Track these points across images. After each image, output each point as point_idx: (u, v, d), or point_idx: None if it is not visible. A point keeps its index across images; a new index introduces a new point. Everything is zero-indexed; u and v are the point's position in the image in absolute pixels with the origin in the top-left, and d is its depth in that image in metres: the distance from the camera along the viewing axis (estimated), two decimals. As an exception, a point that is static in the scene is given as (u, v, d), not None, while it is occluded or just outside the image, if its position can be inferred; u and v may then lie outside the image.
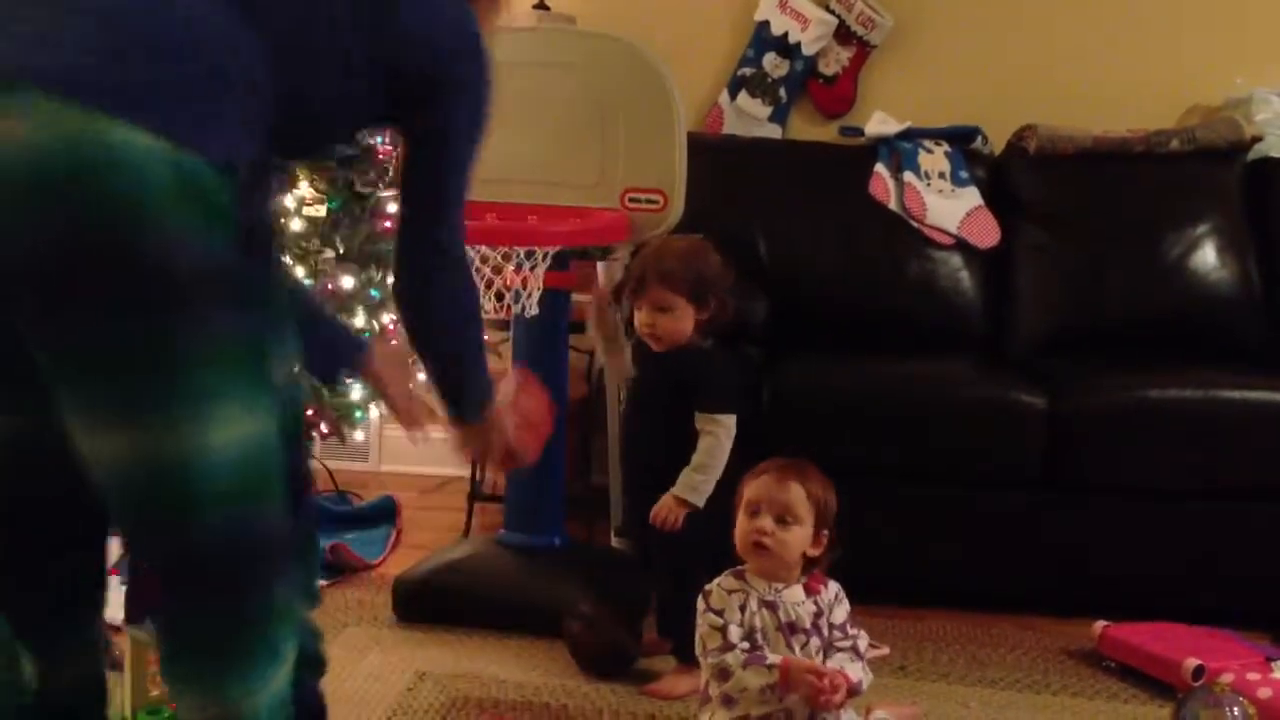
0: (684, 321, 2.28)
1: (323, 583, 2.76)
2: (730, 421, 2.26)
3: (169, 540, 1.26)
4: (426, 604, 2.58)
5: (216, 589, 1.28)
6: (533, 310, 2.47)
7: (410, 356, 1.80)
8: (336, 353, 1.81)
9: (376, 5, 1.38)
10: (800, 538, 1.88)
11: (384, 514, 3.23)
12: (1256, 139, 3.22)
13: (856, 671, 1.84)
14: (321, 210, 2.84)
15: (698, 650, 1.90)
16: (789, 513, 1.87)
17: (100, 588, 1.49)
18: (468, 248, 2.45)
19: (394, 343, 1.86)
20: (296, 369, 1.41)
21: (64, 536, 1.41)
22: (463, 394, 1.70)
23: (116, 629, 2.01)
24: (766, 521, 1.87)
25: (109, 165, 1.16)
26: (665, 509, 2.25)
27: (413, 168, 1.53)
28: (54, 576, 1.42)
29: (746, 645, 1.86)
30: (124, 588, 2.02)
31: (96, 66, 1.18)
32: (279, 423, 1.31)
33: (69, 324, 1.19)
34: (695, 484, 2.24)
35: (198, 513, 1.24)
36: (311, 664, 1.43)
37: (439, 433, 1.84)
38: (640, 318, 2.32)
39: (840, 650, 1.88)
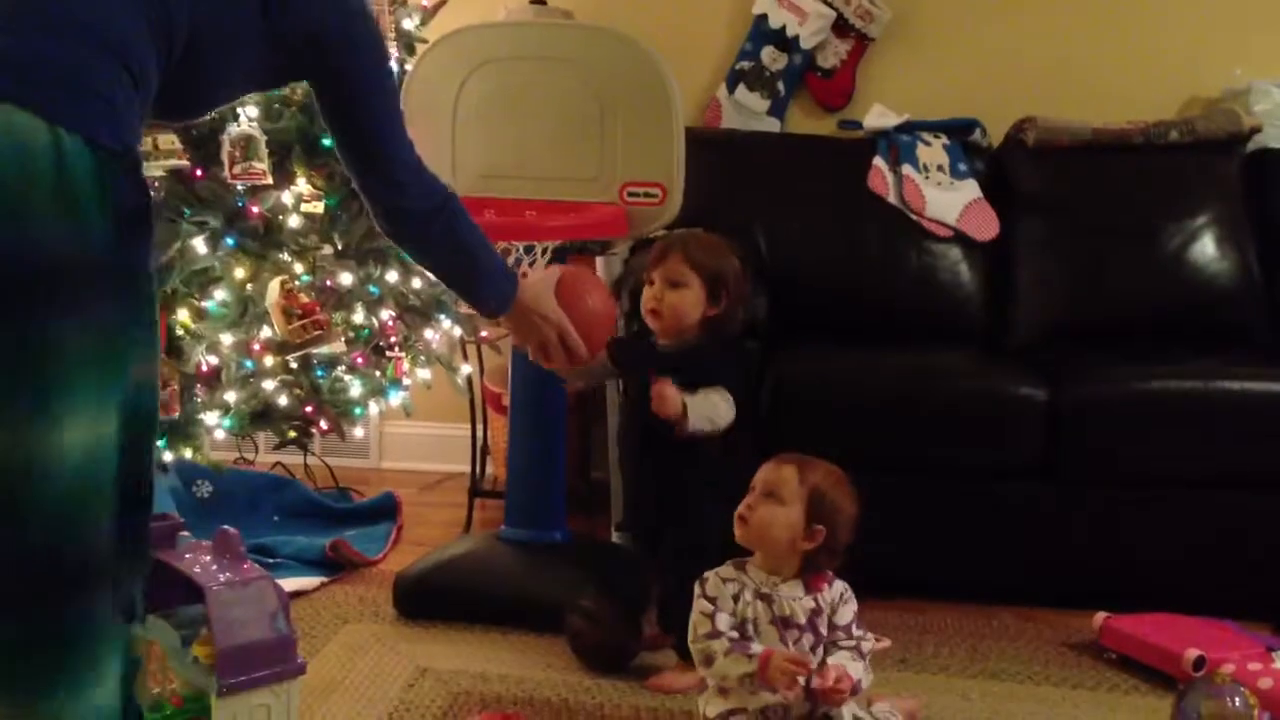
0: (691, 305, 2.24)
1: (324, 580, 2.77)
2: (728, 397, 2.20)
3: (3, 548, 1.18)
4: (427, 600, 2.58)
5: (38, 596, 1.21)
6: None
7: (550, 286, 1.87)
8: (503, 284, 1.84)
9: None
10: (782, 519, 1.87)
11: (385, 511, 3.24)
12: (1255, 130, 3.22)
13: (858, 670, 1.84)
14: (319, 207, 2.84)
15: (689, 636, 1.91)
16: (774, 492, 1.88)
17: None
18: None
19: (530, 278, 1.90)
20: (156, 366, 1.35)
21: None
22: (476, 285, 1.74)
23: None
24: (753, 496, 1.89)
25: None
26: (665, 393, 2.17)
27: (334, 122, 1.55)
28: None
29: (735, 635, 1.86)
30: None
31: None
32: (127, 425, 1.25)
33: None
34: (698, 402, 2.18)
35: (31, 514, 1.18)
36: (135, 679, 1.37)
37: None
38: (649, 293, 2.27)
39: (842, 649, 1.88)
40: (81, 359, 1.18)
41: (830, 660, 1.85)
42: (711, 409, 2.20)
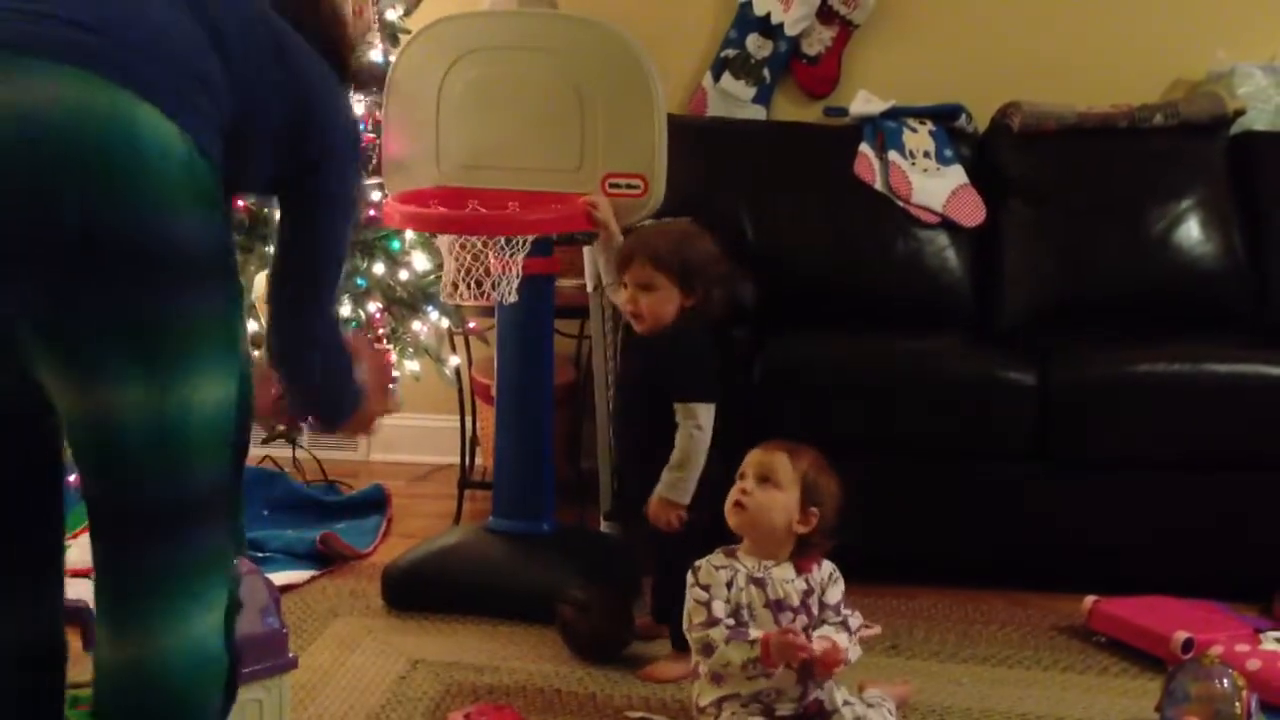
0: (667, 303, 2.27)
1: (314, 573, 2.76)
2: (706, 411, 2.24)
3: (159, 486, 1.36)
4: (417, 592, 2.58)
5: (190, 526, 1.38)
6: (511, 297, 2.46)
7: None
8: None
9: (285, 64, 1.50)
10: (781, 504, 1.89)
11: (374, 503, 3.23)
12: (1239, 113, 3.22)
13: (844, 641, 1.86)
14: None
15: (684, 625, 1.92)
16: (770, 476, 1.90)
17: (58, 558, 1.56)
18: (445, 237, 2.46)
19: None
20: (248, 344, 1.53)
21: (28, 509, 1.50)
22: (336, 415, 1.78)
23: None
24: (748, 482, 1.91)
25: (134, 141, 1.26)
26: (657, 512, 2.25)
27: (290, 242, 1.61)
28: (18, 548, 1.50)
29: (731, 621, 1.87)
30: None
31: (114, 49, 1.29)
32: (240, 387, 1.43)
33: (89, 290, 1.28)
34: (675, 483, 2.24)
35: (179, 455, 1.35)
36: (234, 609, 1.52)
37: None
38: (624, 295, 2.31)
39: (829, 624, 1.89)
40: (213, 332, 1.36)
41: (817, 634, 1.87)
42: (686, 469, 2.22)
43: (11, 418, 1.44)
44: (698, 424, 2.23)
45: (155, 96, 1.29)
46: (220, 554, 1.44)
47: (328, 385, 1.71)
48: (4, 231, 1.26)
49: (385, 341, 3.19)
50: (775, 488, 1.91)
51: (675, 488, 2.24)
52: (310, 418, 1.91)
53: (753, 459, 1.96)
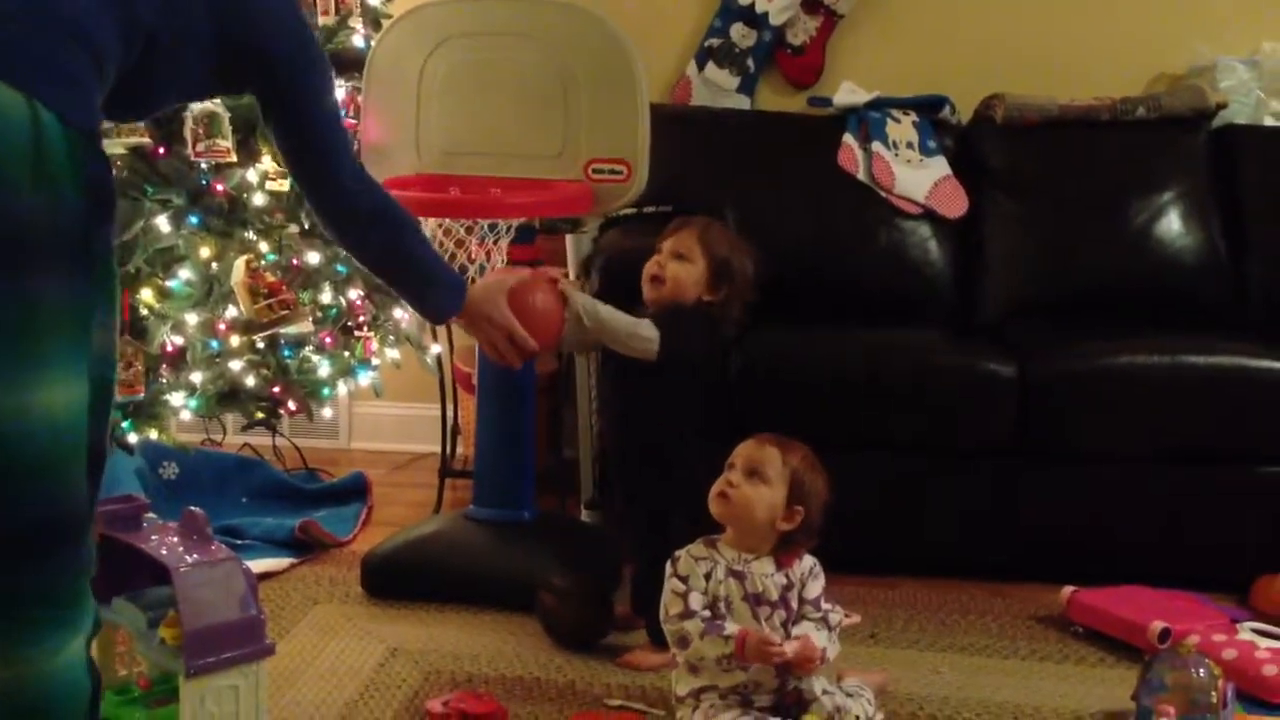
0: (691, 280, 2.26)
1: (293, 561, 2.75)
2: (658, 340, 2.20)
3: None
4: (397, 580, 2.57)
5: (27, 548, 1.27)
6: (559, 274, 2.44)
7: (502, 290, 1.98)
8: (443, 296, 1.92)
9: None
10: (766, 499, 1.88)
11: (354, 491, 3.22)
12: (1221, 106, 3.23)
13: (822, 639, 1.86)
14: (285, 185, 2.81)
15: (661, 616, 1.91)
16: (758, 470, 1.89)
17: None
18: (431, 221, 2.45)
19: (484, 279, 2.00)
20: (115, 339, 1.41)
21: None
22: (418, 292, 1.83)
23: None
24: (735, 474, 1.90)
25: None
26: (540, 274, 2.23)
27: (279, 134, 1.61)
28: None
29: (708, 614, 1.86)
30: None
31: None
32: (93, 392, 1.31)
33: None
34: (604, 317, 2.22)
35: (16, 469, 1.23)
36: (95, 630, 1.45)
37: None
38: (654, 260, 2.29)
39: (809, 621, 1.89)
40: (56, 324, 1.23)
41: (795, 630, 1.86)
42: (609, 313, 2.21)
43: None
44: (649, 336, 2.20)
45: (9, 72, 1.21)
46: (76, 577, 1.33)
47: (398, 243, 1.71)
48: None
49: (366, 329, 3.18)
50: (762, 483, 1.89)
51: (595, 316, 2.21)
52: (414, 302, 1.89)
53: (743, 451, 1.94)
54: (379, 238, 1.78)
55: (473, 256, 2.47)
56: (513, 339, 2.07)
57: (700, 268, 2.26)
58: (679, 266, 2.26)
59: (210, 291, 2.77)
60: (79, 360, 1.27)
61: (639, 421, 2.30)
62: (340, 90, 3.01)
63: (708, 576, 1.90)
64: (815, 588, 1.94)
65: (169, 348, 2.73)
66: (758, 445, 1.94)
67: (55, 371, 1.24)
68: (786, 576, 1.92)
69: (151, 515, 1.90)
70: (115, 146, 2.56)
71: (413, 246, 1.83)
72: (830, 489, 1.94)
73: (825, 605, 1.93)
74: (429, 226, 2.51)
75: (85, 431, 1.30)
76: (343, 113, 1.72)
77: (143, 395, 2.63)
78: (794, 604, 1.91)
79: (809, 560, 1.96)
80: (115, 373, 1.39)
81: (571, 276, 2.89)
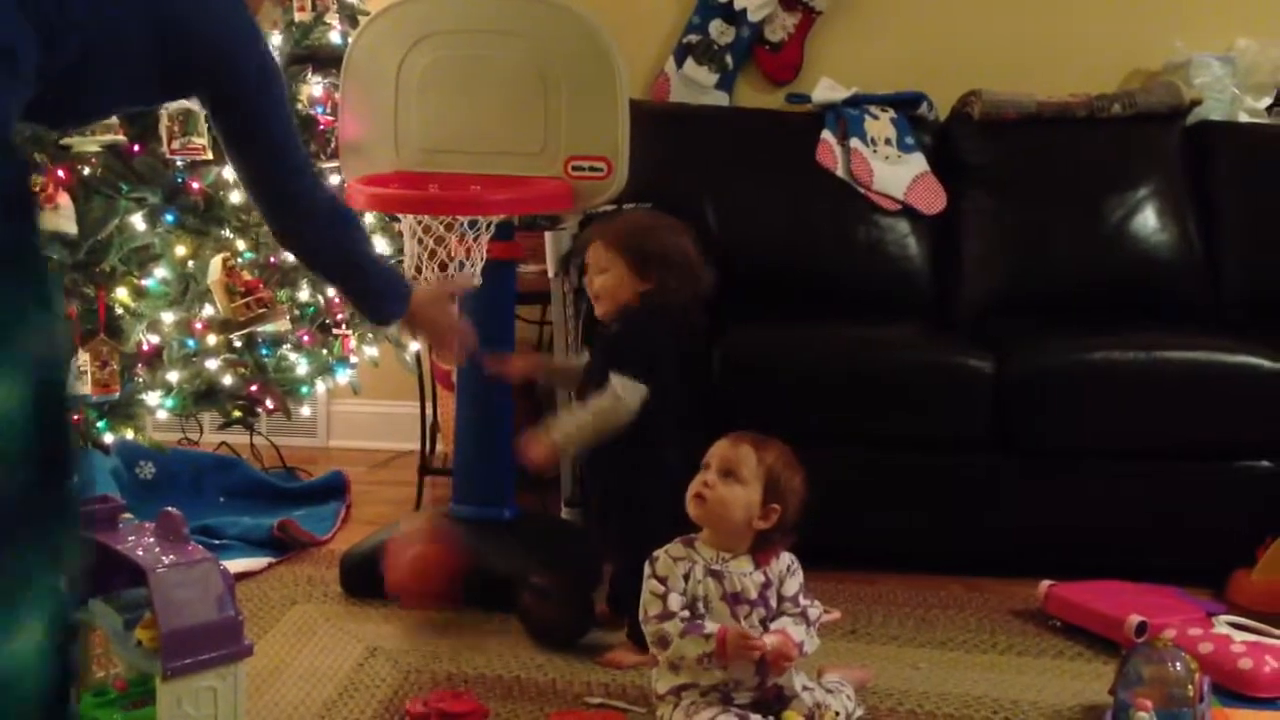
0: (620, 286, 2.26)
1: (271, 560, 2.74)
2: (632, 388, 2.17)
3: None
4: (376, 579, 2.55)
5: None
6: (475, 281, 2.44)
7: (448, 295, 1.98)
8: (389, 299, 1.91)
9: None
10: (742, 499, 1.88)
11: (333, 490, 3.20)
12: (1196, 103, 3.25)
13: (799, 634, 1.86)
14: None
15: (640, 616, 1.91)
16: (734, 471, 1.89)
17: None
18: (410, 217, 2.45)
19: (430, 283, 1.99)
20: (59, 340, 1.41)
21: None
22: (366, 297, 1.82)
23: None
24: (710, 475, 1.90)
25: None
26: (536, 446, 2.19)
27: (226, 136, 1.61)
28: None
29: (687, 614, 1.86)
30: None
31: None
32: (36, 399, 1.29)
33: None
34: (571, 431, 2.20)
35: None
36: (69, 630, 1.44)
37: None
38: (587, 278, 2.31)
39: (787, 617, 1.89)
40: None
41: (774, 626, 1.86)
42: (582, 421, 2.19)
43: None
44: (618, 394, 2.17)
45: None
46: (23, 578, 1.31)
47: (351, 252, 1.71)
48: None
49: (344, 326, 3.17)
50: (738, 483, 1.89)
51: (568, 437, 2.20)
52: (362, 304, 1.88)
53: (718, 450, 1.93)
54: (329, 240, 1.77)
55: (452, 253, 2.47)
56: (451, 340, 2.07)
57: (620, 269, 2.25)
58: (603, 279, 2.26)
59: (186, 290, 2.76)
60: (19, 362, 1.26)
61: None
62: (317, 87, 2.99)
63: (686, 577, 1.90)
64: (793, 584, 1.94)
65: (145, 347, 2.71)
66: (733, 445, 1.93)
67: None
68: (765, 575, 1.92)
69: (128, 516, 1.89)
70: (89, 144, 2.54)
71: (362, 250, 1.83)
72: (807, 486, 1.94)
73: (804, 600, 1.93)
74: (408, 223, 2.50)
75: (24, 436, 1.27)
76: (294, 109, 1.70)
77: (118, 395, 2.61)
78: (773, 602, 1.91)
79: (786, 557, 1.96)
80: (64, 373, 1.37)
81: (550, 274, 2.88)
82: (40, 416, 1.30)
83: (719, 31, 3.47)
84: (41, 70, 1.34)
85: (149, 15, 1.45)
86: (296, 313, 3.00)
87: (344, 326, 3.15)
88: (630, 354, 2.22)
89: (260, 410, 3.03)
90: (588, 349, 2.41)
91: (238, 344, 2.85)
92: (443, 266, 2.46)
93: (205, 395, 2.86)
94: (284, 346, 3.00)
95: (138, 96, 1.57)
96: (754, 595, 1.90)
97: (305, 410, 3.41)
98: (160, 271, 2.71)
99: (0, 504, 1.27)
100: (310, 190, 1.73)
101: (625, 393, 2.18)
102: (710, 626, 1.84)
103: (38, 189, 1.35)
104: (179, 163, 2.69)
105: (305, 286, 3.02)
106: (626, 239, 2.26)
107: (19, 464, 1.28)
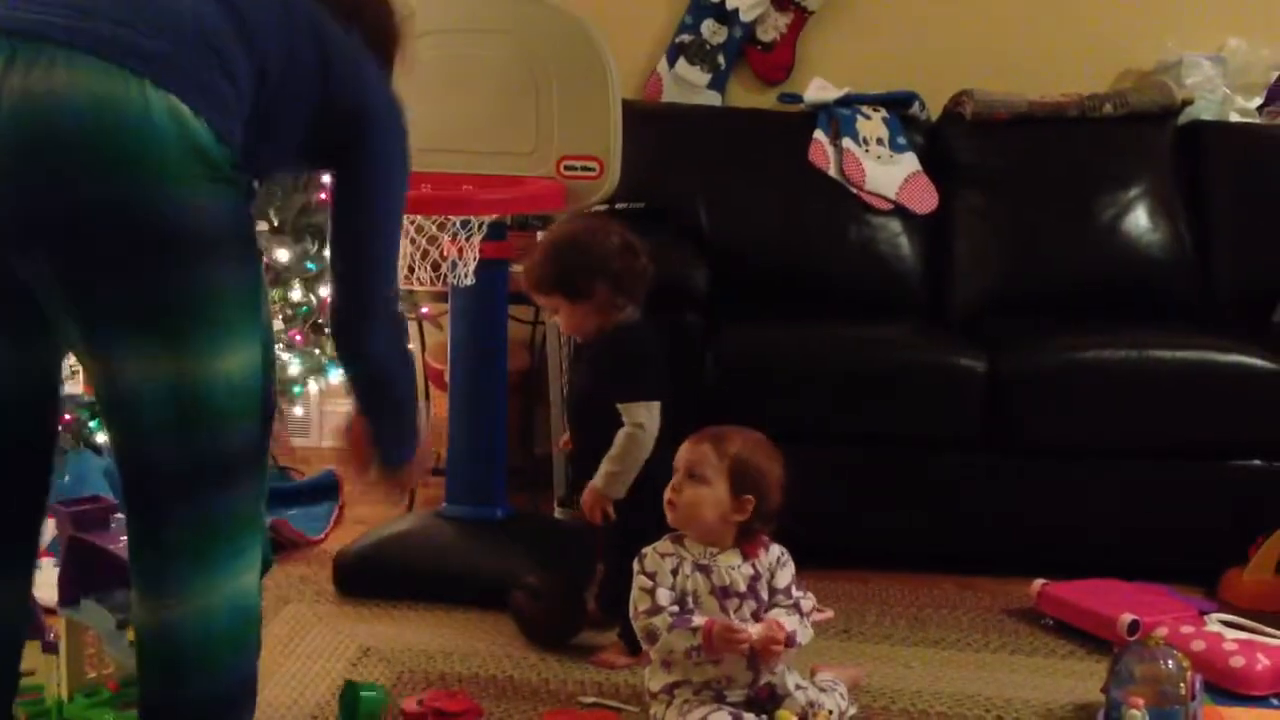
0: (574, 317, 2.26)
1: (264, 560, 2.74)
2: (647, 410, 2.21)
3: (196, 454, 1.46)
4: (369, 579, 2.56)
5: (212, 485, 1.48)
6: (468, 280, 2.44)
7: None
8: (397, 447, 1.84)
9: (327, 60, 1.57)
10: (709, 498, 1.89)
11: (326, 490, 3.20)
12: (1187, 102, 3.26)
13: (792, 624, 1.86)
14: (254, 183, 2.79)
15: (630, 613, 1.92)
16: (696, 472, 1.89)
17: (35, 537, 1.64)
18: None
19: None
20: (269, 309, 1.64)
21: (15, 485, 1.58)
22: (381, 428, 1.78)
23: (50, 611, 1.98)
24: (678, 479, 1.90)
25: (147, 126, 1.36)
26: (589, 503, 2.24)
27: (342, 210, 1.67)
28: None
29: (675, 609, 1.87)
30: (57, 570, 1.98)
31: (138, 41, 1.38)
32: (264, 354, 1.55)
33: (108, 270, 1.38)
34: (610, 477, 2.22)
35: (204, 420, 1.45)
36: (264, 566, 1.65)
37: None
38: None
39: (779, 608, 1.89)
40: (238, 303, 1.46)
41: (765, 618, 1.87)
42: (622, 464, 2.20)
43: (18, 403, 1.53)
44: (638, 423, 2.21)
45: (172, 84, 1.38)
46: (255, 512, 1.55)
47: (390, 371, 1.73)
48: (28, 212, 1.37)
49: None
50: (702, 483, 1.89)
51: (610, 482, 2.22)
52: (379, 441, 1.80)
53: (681, 454, 1.94)
54: (389, 356, 1.74)
55: (445, 254, 2.47)
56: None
57: (562, 304, 2.24)
58: (558, 319, 2.26)
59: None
60: (255, 331, 1.50)
61: (606, 421, 2.29)
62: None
63: (674, 572, 1.90)
64: (785, 576, 1.94)
65: (138, 347, 2.70)
66: (692, 446, 1.93)
67: (238, 340, 1.46)
68: (754, 567, 1.92)
69: (120, 516, 1.88)
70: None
71: (400, 382, 1.78)
72: (782, 465, 1.93)
73: (796, 592, 1.93)
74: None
75: (260, 386, 1.52)
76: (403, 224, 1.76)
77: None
78: (763, 594, 1.91)
79: (776, 550, 1.96)
80: (272, 339, 1.61)
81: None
82: (267, 372, 1.55)
83: (711, 31, 3.48)
84: (248, 117, 1.48)
85: (322, 74, 1.55)
86: (289, 312, 3.00)
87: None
88: (631, 380, 2.24)
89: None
90: (574, 369, 2.39)
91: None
92: (435, 267, 2.46)
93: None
94: (276, 346, 2.99)
95: (297, 156, 1.66)
96: (743, 588, 1.90)
97: (298, 410, 3.40)
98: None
99: (241, 453, 1.50)
100: (384, 296, 1.71)
101: (644, 417, 2.21)
102: (698, 619, 1.85)
103: None
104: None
105: (298, 286, 3.01)
106: (545, 274, 2.22)
107: (257, 418, 1.52)
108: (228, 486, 1.49)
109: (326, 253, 2.93)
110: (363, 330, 1.70)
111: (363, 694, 1.96)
